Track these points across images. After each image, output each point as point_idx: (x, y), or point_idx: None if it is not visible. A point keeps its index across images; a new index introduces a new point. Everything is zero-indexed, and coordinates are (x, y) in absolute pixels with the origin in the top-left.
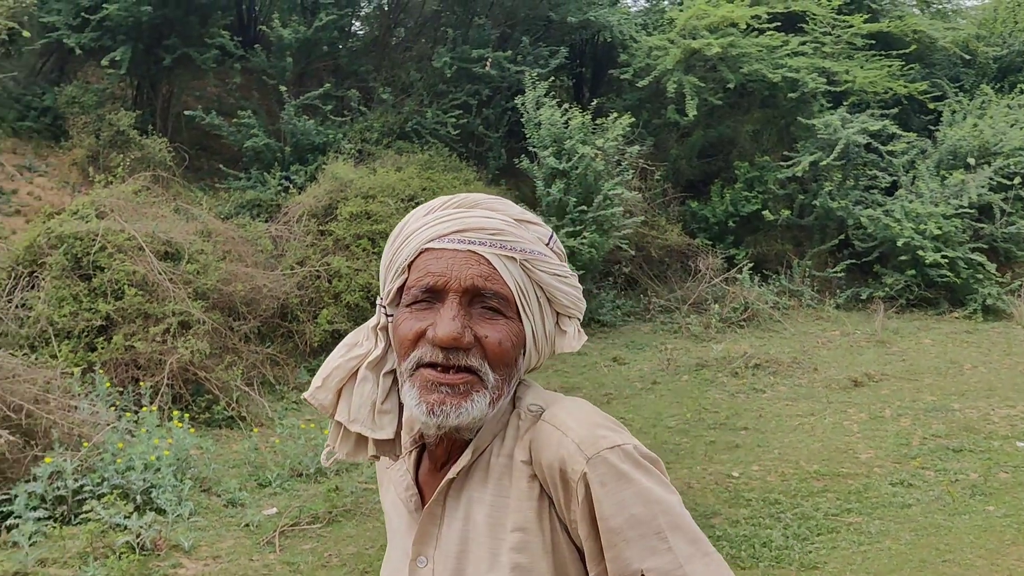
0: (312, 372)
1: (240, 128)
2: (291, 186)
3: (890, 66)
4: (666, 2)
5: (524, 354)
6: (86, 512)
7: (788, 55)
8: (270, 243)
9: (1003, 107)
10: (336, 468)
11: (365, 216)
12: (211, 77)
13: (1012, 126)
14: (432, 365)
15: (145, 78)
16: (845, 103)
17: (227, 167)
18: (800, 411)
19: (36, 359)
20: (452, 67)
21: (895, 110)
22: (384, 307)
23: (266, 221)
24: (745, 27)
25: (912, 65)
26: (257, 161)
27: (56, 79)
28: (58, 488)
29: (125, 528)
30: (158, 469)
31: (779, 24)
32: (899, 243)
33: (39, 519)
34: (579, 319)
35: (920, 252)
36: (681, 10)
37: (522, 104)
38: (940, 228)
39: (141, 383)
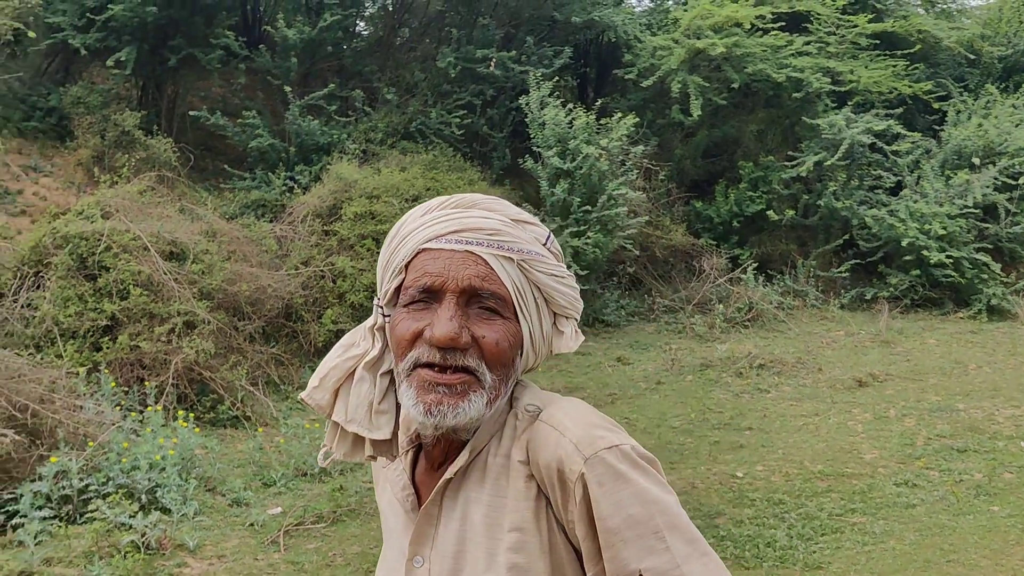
0: None
1: (245, 128)
2: (296, 186)
3: (895, 66)
4: (670, 2)
5: (521, 354)
6: (91, 511)
7: (792, 55)
8: (275, 243)
9: (1008, 107)
10: (340, 468)
11: (369, 216)
12: (216, 77)
13: (1017, 126)
14: (429, 365)
15: (150, 78)
16: (849, 103)
17: (232, 167)
18: (804, 411)
19: (42, 359)
20: (456, 67)
21: (900, 110)
22: (381, 307)
23: (271, 221)
24: (749, 27)
25: (917, 65)
26: (262, 161)
27: (61, 79)
28: (63, 487)
29: (130, 527)
30: (163, 469)
31: (783, 24)
32: (904, 243)
33: (44, 518)
34: (576, 319)
35: (925, 252)
36: (685, 10)
37: (526, 104)
38: (945, 228)
39: (146, 383)
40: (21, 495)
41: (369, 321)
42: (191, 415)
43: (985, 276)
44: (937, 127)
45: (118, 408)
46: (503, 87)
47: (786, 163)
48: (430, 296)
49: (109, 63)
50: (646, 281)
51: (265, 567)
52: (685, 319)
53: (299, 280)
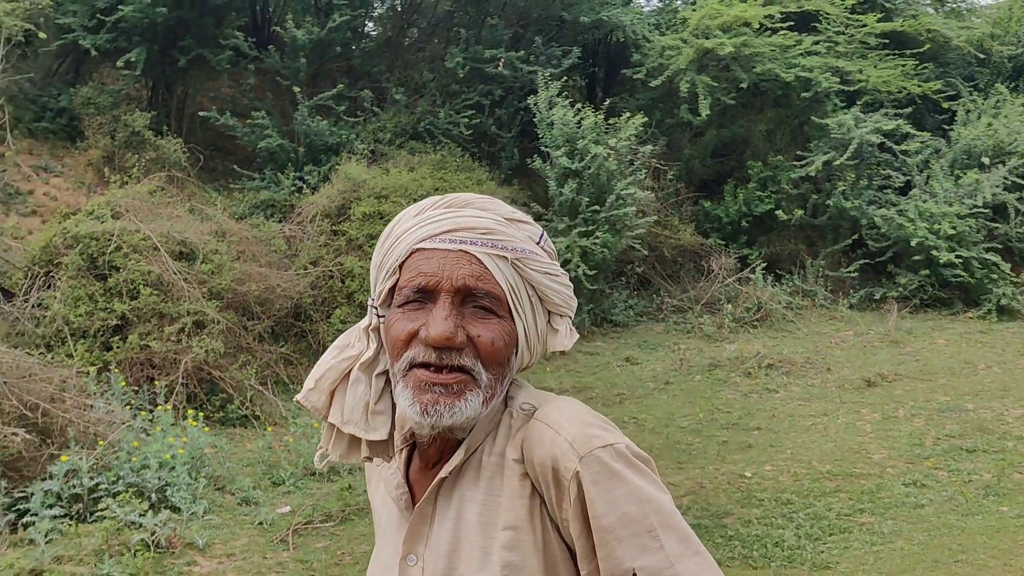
0: None
1: (254, 129)
2: (304, 186)
3: (904, 65)
4: (679, 2)
5: (516, 353)
6: (101, 510)
7: (801, 54)
8: (284, 243)
9: (1018, 106)
10: (349, 467)
11: (378, 216)
12: (225, 78)
13: None
14: (425, 365)
15: (160, 79)
16: (858, 102)
17: (241, 167)
18: (813, 411)
19: (52, 358)
20: (465, 67)
21: (909, 109)
22: (375, 308)
23: (280, 221)
24: (758, 26)
25: (926, 64)
26: (271, 161)
27: (72, 80)
28: (74, 486)
29: (140, 526)
30: (173, 467)
31: (792, 23)
32: (913, 243)
33: (55, 517)
34: (571, 317)
35: (934, 252)
36: (694, 10)
37: (535, 104)
38: (954, 228)
39: (156, 382)
40: (32, 494)
41: (364, 322)
42: (201, 414)
43: (995, 276)
44: (946, 127)
45: (128, 407)
46: (511, 87)
47: (795, 163)
48: (425, 296)
49: (119, 64)
50: (655, 281)
51: (274, 566)
52: (694, 319)
53: (308, 280)
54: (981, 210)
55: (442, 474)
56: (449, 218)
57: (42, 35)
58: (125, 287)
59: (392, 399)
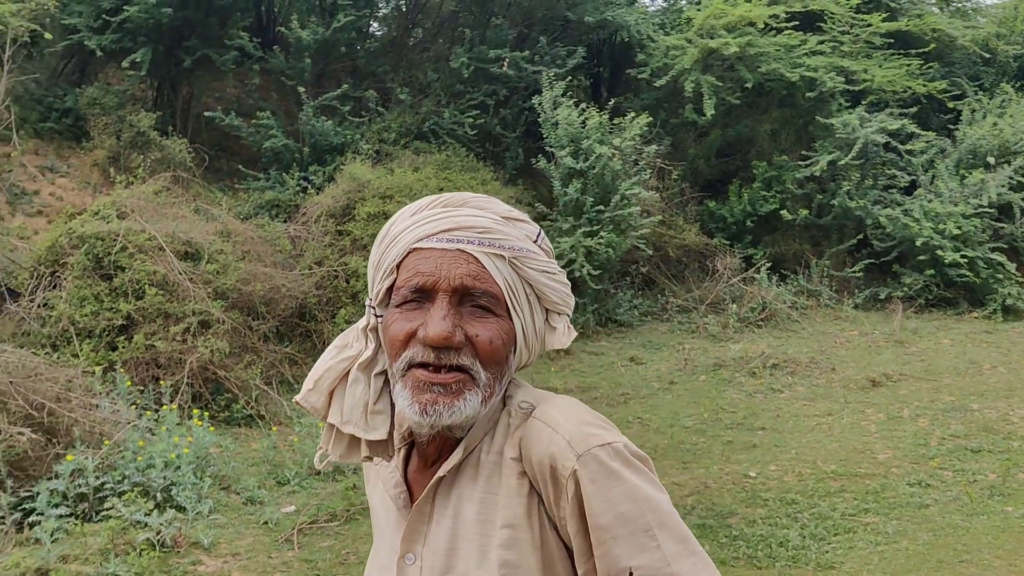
0: None
1: (259, 129)
2: (309, 186)
3: (909, 65)
4: (683, 1)
5: (515, 352)
6: (107, 509)
7: (806, 54)
8: (288, 243)
9: (1023, 106)
10: (353, 467)
11: (383, 216)
12: (230, 78)
13: None
14: (424, 365)
15: (165, 79)
16: (863, 102)
17: (246, 168)
18: (818, 411)
19: (58, 358)
20: (469, 67)
21: (914, 109)
22: (373, 308)
23: (285, 221)
24: (763, 26)
25: (931, 64)
26: (276, 162)
27: (77, 81)
28: (79, 485)
29: (145, 525)
30: (178, 467)
31: (797, 23)
32: (918, 243)
33: (61, 516)
34: (569, 315)
35: (939, 252)
36: (699, 9)
37: (539, 104)
38: (959, 228)
39: (161, 382)
40: (38, 493)
41: (361, 322)
42: (206, 414)
43: (1000, 276)
44: (952, 126)
45: (133, 407)
46: (516, 87)
47: (800, 162)
48: (422, 296)
49: (124, 64)
50: (659, 281)
51: (279, 565)
52: (698, 319)
53: (313, 280)
54: (986, 210)
55: (440, 473)
56: (446, 217)
57: (48, 35)
58: (130, 287)
59: (391, 398)
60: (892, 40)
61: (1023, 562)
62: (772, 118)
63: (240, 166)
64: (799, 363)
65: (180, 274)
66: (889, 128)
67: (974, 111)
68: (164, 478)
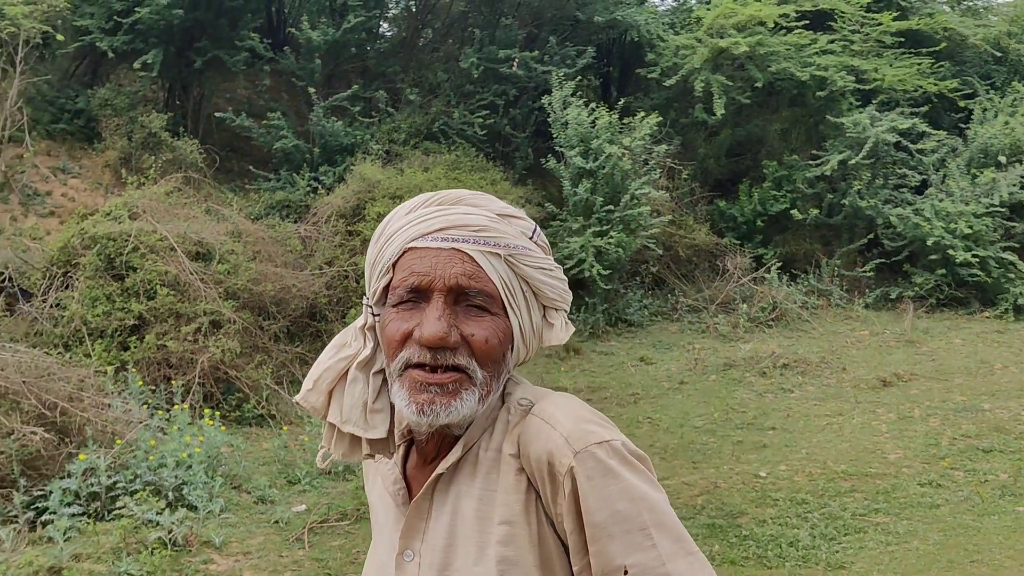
0: None
1: (270, 130)
2: (320, 187)
3: (919, 64)
4: (693, 1)
5: (512, 349)
6: (119, 508)
7: (816, 53)
8: (299, 243)
9: None
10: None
11: None
12: (241, 79)
13: None
14: (420, 366)
15: (176, 80)
16: (874, 101)
17: (257, 168)
18: (828, 411)
19: (70, 358)
20: (479, 67)
21: (925, 108)
22: (370, 307)
23: (295, 222)
24: (773, 25)
25: (942, 63)
26: (286, 162)
27: (89, 82)
28: (92, 484)
29: (157, 524)
30: (189, 466)
31: (807, 22)
32: (929, 242)
33: (73, 515)
34: (566, 311)
35: (950, 251)
36: (708, 9)
37: (549, 104)
38: (971, 227)
39: (173, 382)
40: (51, 492)
41: (359, 321)
42: (217, 413)
43: (1012, 275)
44: (963, 125)
45: (145, 406)
46: (526, 87)
47: (810, 162)
48: (418, 295)
49: (136, 65)
50: (669, 281)
51: (290, 564)
52: (708, 319)
53: (323, 280)
54: (998, 209)
55: (439, 470)
56: (440, 216)
57: (60, 37)
58: (142, 287)
59: (390, 397)
60: (903, 39)
61: None
62: (782, 117)
63: (251, 167)
64: (810, 363)
65: (191, 274)
66: (900, 127)
67: (985, 110)
68: (176, 477)
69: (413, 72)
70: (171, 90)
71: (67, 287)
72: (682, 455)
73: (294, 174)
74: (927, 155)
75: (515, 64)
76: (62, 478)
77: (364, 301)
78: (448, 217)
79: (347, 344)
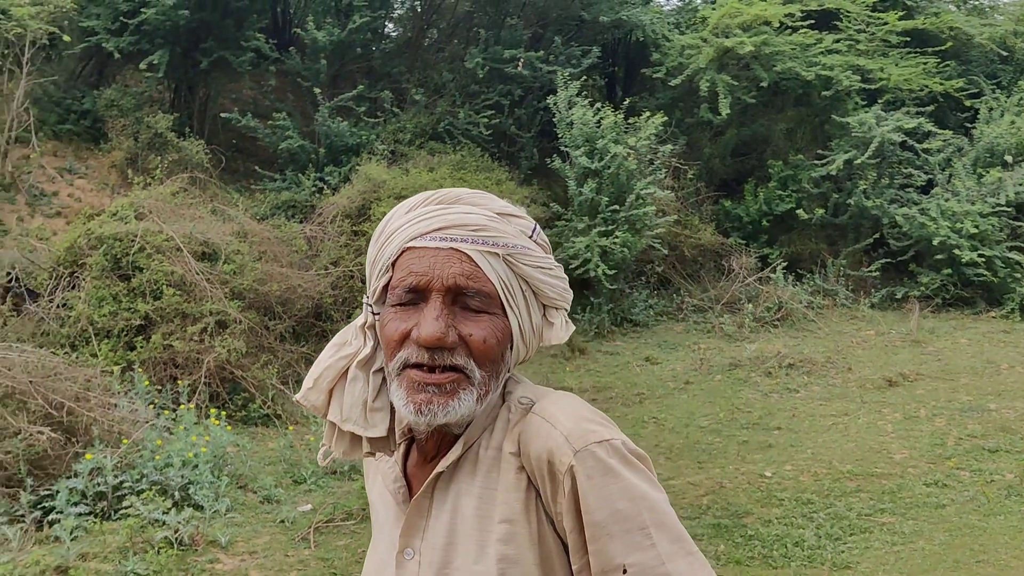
0: None
1: (275, 130)
2: (325, 187)
3: (925, 63)
4: (699, 1)
5: (512, 348)
6: (126, 508)
7: (822, 53)
8: (305, 243)
9: None
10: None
11: None
12: (247, 80)
13: None
14: (418, 366)
15: (182, 81)
16: (880, 101)
17: (262, 169)
18: (834, 411)
19: (77, 358)
20: (484, 68)
21: (931, 108)
22: (370, 306)
23: (301, 222)
24: (778, 25)
25: (948, 62)
26: (292, 162)
27: (95, 83)
28: (98, 484)
29: (164, 524)
30: (196, 466)
31: (813, 22)
32: (935, 242)
33: (80, 514)
34: (566, 310)
35: (956, 251)
36: (714, 8)
37: (554, 104)
38: (977, 227)
39: (179, 381)
40: (57, 491)
41: (359, 320)
42: (223, 413)
43: (1018, 275)
44: (969, 125)
45: (151, 406)
46: (531, 87)
47: (816, 162)
48: (417, 295)
49: (142, 66)
50: (675, 280)
51: (296, 563)
52: (714, 319)
53: (328, 280)
54: (1004, 209)
55: (439, 468)
56: (439, 215)
57: (66, 38)
58: (148, 287)
59: (389, 396)
60: (908, 38)
61: None
62: (788, 117)
63: (256, 167)
64: (815, 363)
65: (197, 274)
66: (906, 127)
67: (991, 109)
68: (182, 477)
69: (418, 72)
70: (177, 91)
71: (73, 287)
72: (687, 455)
73: (299, 174)
74: (933, 155)
75: (520, 64)
76: (69, 477)
77: (364, 300)
78: (446, 216)
79: (347, 343)
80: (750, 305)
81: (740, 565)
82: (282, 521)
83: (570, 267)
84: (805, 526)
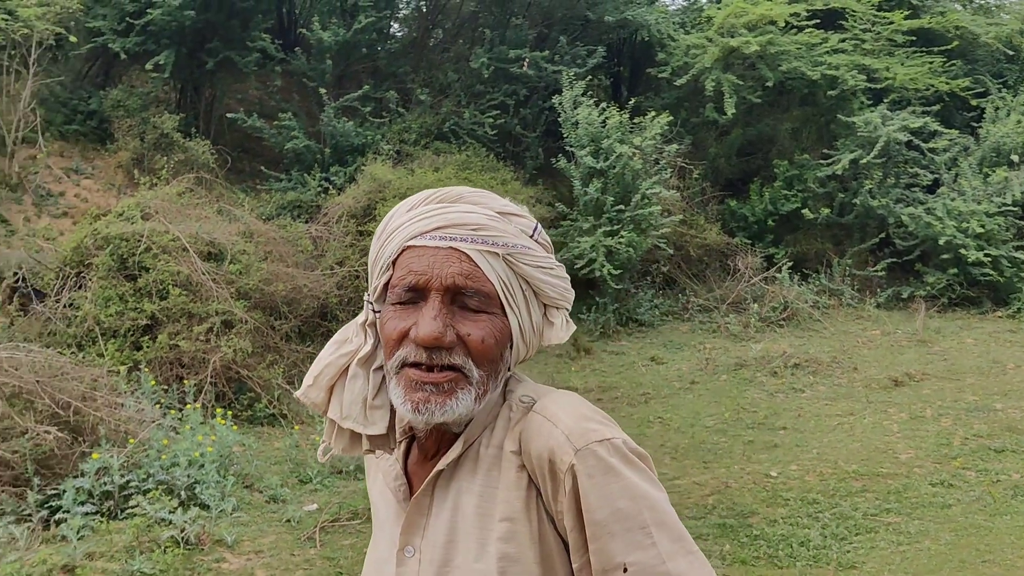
0: None
1: (281, 130)
2: (331, 187)
3: (931, 63)
4: (704, 0)
5: (511, 348)
6: (132, 507)
7: (827, 52)
8: (310, 243)
9: None
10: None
11: None
12: (252, 80)
13: None
14: (416, 364)
15: (188, 81)
16: (886, 100)
17: (268, 169)
18: (839, 411)
19: (83, 358)
20: (489, 67)
21: (936, 107)
22: (371, 303)
23: (306, 222)
24: (784, 24)
25: (954, 61)
26: (297, 163)
27: (102, 83)
28: (105, 483)
29: (170, 523)
30: (202, 465)
31: (818, 21)
32: (941, 241)
33: (87, 514)
34: (567, 309)
35: (962, 251)
36: (719, 8)
37: (559, 104)
38: (983, 226)
39: (185, 381)
40: (64, 491)
41: (360, 317)
42: (229, 413)
43: None
44: (975, 124)
45: (158, 406)
46: (536, 87)
47: (821, 161)
48: (416, 294)
49: (148, 67)
50: (680, 280)
51: (301, 562)
52: (719, 318)
53: (334, 280)
54: (1010, 208)
55: (439, 466)
56: (439, 214)
57: (73, 39)
58: (155, 287)
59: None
60: (914, 37)
61: None
62: (793, 117)
63: (262, 167)
64: (821, 363)
65: (203, 274)
66: (911, 126)
67: (997, 109)
68: (188, 476)
69: (424, 72)
70: (183, 91)
71: (80, 287)
72: (693, 455)
73: (305, 174)
74: (939, 154)
75: (525, 64)
76: (75, 477)
77: (366, 297)
78: (447, 215)
79: (348, 340)
80: (756, 305)
81: (745, 565)
82: (288, 520)
83: (575, 267)
84: (811, 526)
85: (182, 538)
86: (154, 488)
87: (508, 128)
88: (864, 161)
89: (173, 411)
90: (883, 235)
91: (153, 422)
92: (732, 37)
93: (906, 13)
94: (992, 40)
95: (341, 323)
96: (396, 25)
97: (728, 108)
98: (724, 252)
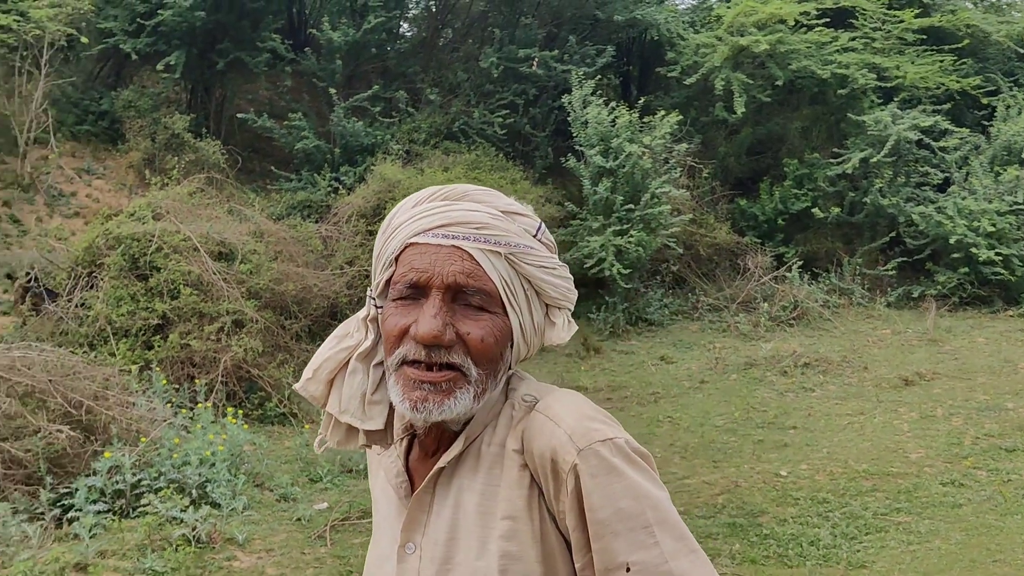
0: None
1: (291, 130)
2: (340, 187)
3: (942, 61)
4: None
5: (512, 347)
6: (144, 506)
7: (838, 51)
8: (320, 243)
9: None
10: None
11: None
12: (263, 80)
13: None
14: (415, 363)
15: (199, 82)
16: (896, 99)
17: (278, 169)
18: (850, 410)
19: (95, 357)
20: (499, 67)
21: (947, 106)
22: (374, 299)
23: (316, 222)
24: (794, 23)
25: (965, 60)
26: (307, 163)
27: (113, 84)
28: (117, 482)
29: (181, 521)
30: (213, 464)
31: (828, 20)
32: (952, 240)
33: (99, 512)
34: (570, 310)
35: (973, 249)
36: (729, 7)
37: (569, 103)
38: (994, 225)
39: (196, 380)
40: (76, 489)
41: (362, 312)
42: (240, 412)
43: None
44: (986, 123)
45: (169, 405)
46: (545, 86)
47: (831, 160)
48: (417, 292)
49: (159, 67)
50: (690, 280)
51: (312, 561)
52: (729, 318)
53: (344, 279)
54: (1021, 207)
55: (440, 464)
56: (443, 212)
57: (84, 39)
58: (166, 287)
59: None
60: (925, 36)
61: None
62: (803, 115)
63: (272, 167)
64: (831, 362)
65: (214, 274)
66: (922, 125)
67: (1008, 107)
68: (199, 475)
69: (433, 72)
70: (194, 91)
71: (92, 287)
72: (703, 454)
73: (315, 174)
74: (949, 153)
75: (535, 63)
76: (88, 476)
77: (368, 292)
78: (450, 213)
79: (349, 334)
80: (765, 304)
81: (755, 564)
82: (298, 519)
83: (585, 266)
84: (820, 525)
85: (193, 536)
86: (165, 487)
87: (517, 127)
88: (874, 160)
89: (184, 410)
90: (893, 234)
91: (164, 421)
92: (742, 36)
93: (917, 11)
94: (1003, 38)
95: None
96: (406, 25)
97: (738, 107)
98: (734, 251)
